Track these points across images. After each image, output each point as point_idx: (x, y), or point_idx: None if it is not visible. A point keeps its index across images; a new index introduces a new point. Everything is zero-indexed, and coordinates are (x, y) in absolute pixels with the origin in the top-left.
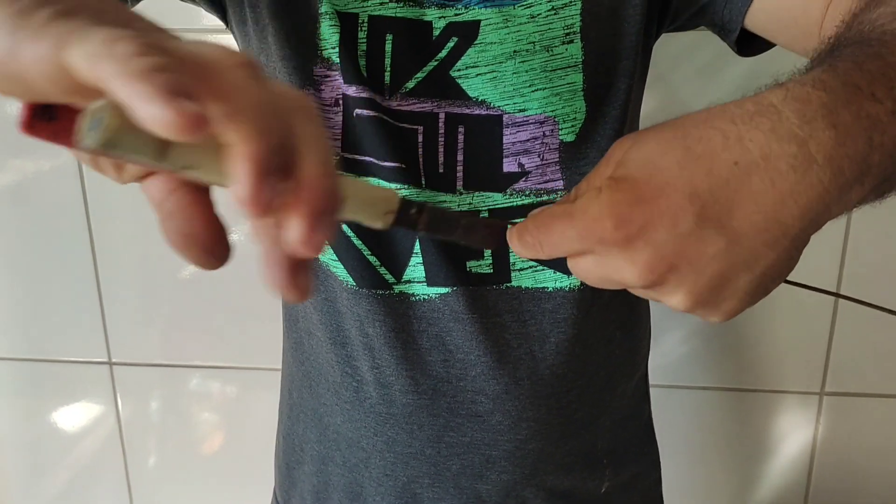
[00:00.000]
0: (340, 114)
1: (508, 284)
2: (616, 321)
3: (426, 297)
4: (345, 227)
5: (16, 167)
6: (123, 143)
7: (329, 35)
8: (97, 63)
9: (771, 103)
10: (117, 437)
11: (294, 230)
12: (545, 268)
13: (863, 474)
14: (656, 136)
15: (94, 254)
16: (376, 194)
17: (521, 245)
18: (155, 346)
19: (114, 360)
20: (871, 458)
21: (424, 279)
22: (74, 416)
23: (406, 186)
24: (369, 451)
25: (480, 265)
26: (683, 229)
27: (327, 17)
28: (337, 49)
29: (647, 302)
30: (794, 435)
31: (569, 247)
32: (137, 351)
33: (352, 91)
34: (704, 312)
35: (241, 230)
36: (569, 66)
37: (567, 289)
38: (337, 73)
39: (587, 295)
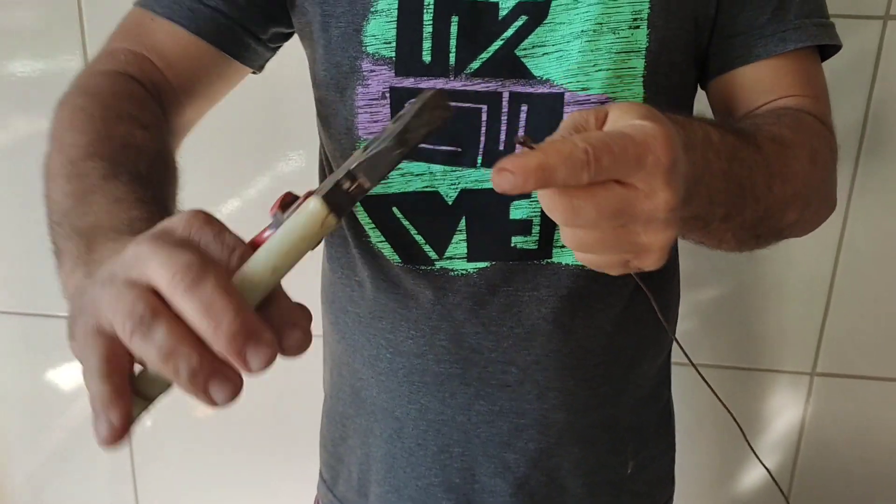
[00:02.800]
0: (388, 106)
1: (549, 260)
2: (647, 302)
3: (465, 271)
4: (394, 208)
5: (20, 124)
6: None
7: (378, 31)
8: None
9: (710, 140)
10: None
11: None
12: None
13: (850, 455)
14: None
15: None
16: (297, 226)
17: (571, 162)
18: None
19: None
20: (859, 439)
21: (466, 255)
22: (76, 371)
23: (459, 169)
24: (403, 420)
25: (527, 241)
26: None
27: (382, 14)
28: (392, 44)
29: (678, 287)
30: (783, 414)
31: (622, 168)
32: None
33: (409, 82)
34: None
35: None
36: (632, 51)
37: None
38: (384, 67)
39: (623, 276)
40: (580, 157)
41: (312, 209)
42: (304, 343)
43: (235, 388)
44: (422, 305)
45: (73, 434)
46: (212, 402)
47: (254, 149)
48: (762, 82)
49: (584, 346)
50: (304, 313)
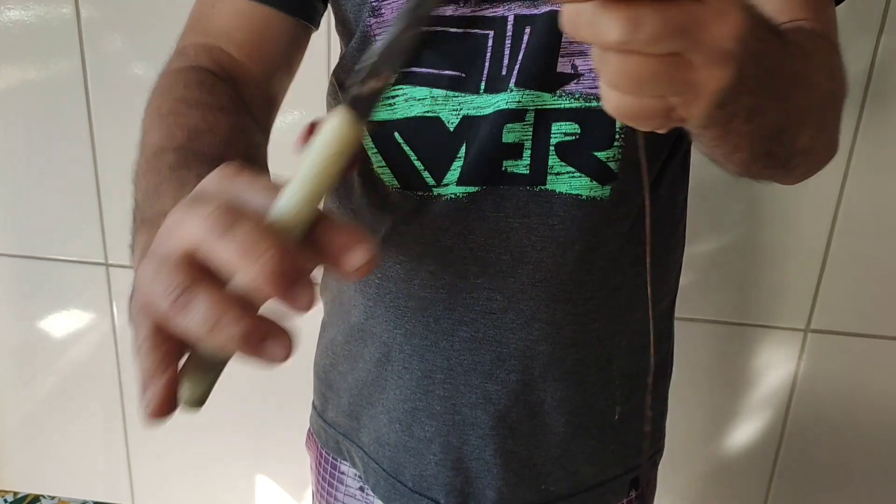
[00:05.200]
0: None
1: (542, 187)
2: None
3: (454, 195)
4: (396, 133)
5: (20, 70)
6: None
7: None
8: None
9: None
10: (111, 340)
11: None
12: (583, 174)
13: (840, 413)
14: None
15: (95, 154)
16: (325, 143)
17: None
18: None
19: (110, 261)
20: (850, 396)
21: (457, 179)
22: (68, 318)
23: (461, 94)
24: (390, 344)
25: (517, 165)
26: None
27: None
28: None
29: (683, 237)
30: (776, 370)
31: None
32: None
33: None
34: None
35: None
36: None
37: (600, 198)
38: None
39: (621, 209)
40: None
41: (338, 119)
42: (365, 264)
43: (290, 341)
44: (411, 231)
45: (65, 379)
46: (270, 360)
47: None
48: (769, 3)
49: (575, 279)
50: (355, 234)
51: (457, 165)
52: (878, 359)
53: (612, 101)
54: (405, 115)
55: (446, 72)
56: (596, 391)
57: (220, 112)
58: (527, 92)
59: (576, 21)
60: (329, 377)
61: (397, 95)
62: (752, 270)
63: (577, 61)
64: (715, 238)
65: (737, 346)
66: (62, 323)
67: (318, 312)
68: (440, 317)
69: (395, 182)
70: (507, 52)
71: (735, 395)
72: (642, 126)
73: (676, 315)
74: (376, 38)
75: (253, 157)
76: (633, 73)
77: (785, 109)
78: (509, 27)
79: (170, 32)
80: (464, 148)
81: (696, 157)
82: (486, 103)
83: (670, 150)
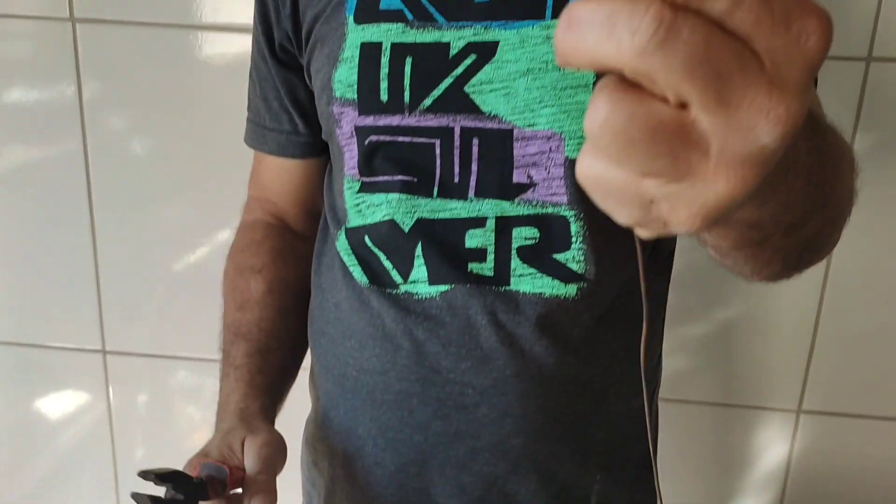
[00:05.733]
0: (355, 143)
1: (507, 287)
2: (621, 339)
3: (428, 295)
4: (365, 237)
5: (21, 152)
6: None
7: (345, 76)
8: None
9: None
10: (106, 425)
11: None
12: (545, 275)
13: (836, 493)
14: None
15: (95, 239)
16: None
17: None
18: (148, 336)
19: (108, 348)
20: (844, 477)
21: (427, 279)
22: (63, 403)
23: (416, 197)
24: (364, 437)
25: (482, 267)
26: None
27: (347, 61)
28: (354, 86)
29: (661, 331)
30: (770, 451)
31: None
32: (131, 340)
33: (369, 121)
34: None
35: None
36: (579, 86)
37: (564, 297)
38: (349, 108)
39: (583, 306)
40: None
41: None
42: None
43: None
44: (387, 325)
45: (59, 462)
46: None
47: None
48: None
49: (544, 374)
50: None
51: (419, 264)
52: (872, 439)
53: (584, 165)
54: (372, 221)
55: (398, 177)
56: (571, 483)
57: (259, 274)
58: (486, 201)
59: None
60: (311, 475)
61: (361, 203)
62: (742, 351)
63: (532, 171)
64: (704, 320)
65: (730, 427)
66: (56, 407)
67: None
68: (415, 410)
69: (366, 279)
70: (456, 160)
71: (729, 478)
72: (613, 213)
73: (668, 397)
74: (345, 150)
75: (283, 308)
76: (631, 125)
77: (819, 221)
78: (456, 138)
79: (169, 110)
80: (419, 247)
81: (683, 241)
82: (442, 207)
83: (651, 247)
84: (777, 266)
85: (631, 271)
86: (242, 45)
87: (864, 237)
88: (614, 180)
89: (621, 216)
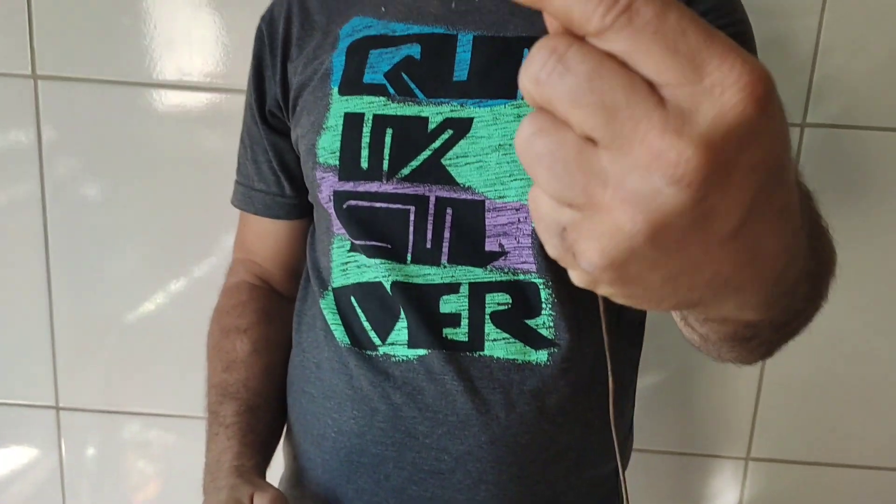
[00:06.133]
0: (332, 207)
1: (481, 353)
2: (597, 408)
3: (405, 357)
4: (351, 297)
5: None
6: None
7: (328, 143)
8: None
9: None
10: (57, 480)
11: None
12: (517, 340)
13: None
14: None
15: (50, 293)
16: None
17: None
18: (100, 390)
19: (61, 404)
20: None
21: (406, 342)
22: (14, 458)
23: (389, 262)
24: (340, 500)
25: (457, 333)
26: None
27: (330, 129)
28: (336, 153)
29: (633, 399)
30: (721, 499)
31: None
32: (84, 395)
33: (348, 186)
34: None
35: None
36: None
37: (536, 363)
38: (330, 173)
39: (556, 373)
40: None
41: None
42: None
43: None
44: (364, 387)
45: None
46: None
47: (201, 228)
48: None
49: (520, 442)
50: None
51: (401, 326)
52: (820, 485)
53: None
54: (357, 281)
55: (374, 242)
56: None
57: (245, 334)
58: (459, 268)
59: None
60: None
61: (349, 262)
62: (694, 400)
63: (503, 241)
64: (655, 370)
65: (682, 475)
66: (6, 462)
67: None
68: (390, 474)
69: (347, 340)
70: (429, 227)
71: None
72: (544, 243)
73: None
74: (332, 218)
75: (268, 367)
76: (544, 150)
77: (807, 308)
78: (431, 206)
79: (124, 154)
80: (401, 311)
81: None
82: (416, 273)
83: (618, 312)
84: (758, 356)
85: (601, 342)
86: (192, 100)
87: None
88: (538, 205)
89: (547, 246)
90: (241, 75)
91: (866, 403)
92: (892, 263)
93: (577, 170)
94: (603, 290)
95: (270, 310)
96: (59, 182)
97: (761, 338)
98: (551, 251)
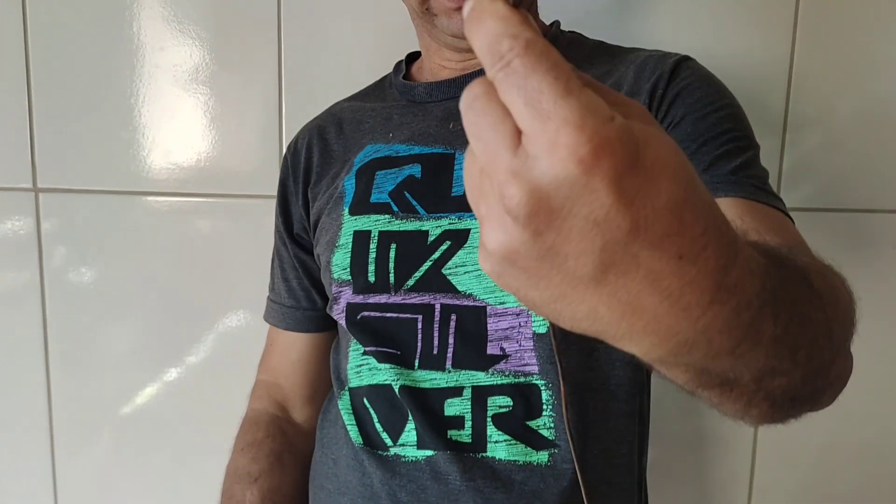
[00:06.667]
0: (345, 319)
1: (484, 454)
2: (599, 501)
3: (414, 458)
4: (364, 398)
5: None
6: None
7: (341, 260)
8: None
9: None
10: None
11: None
12: (518, 442)
13: None
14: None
15: (49, 385)
16: None
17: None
18: (103, 488)
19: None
20: None
21: (416, 443)
22: None
23: (398, 367)
24: None
25: (461, 434)
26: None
27: (342, 247)
28: (348, 269)
29: (644, 492)
30: None
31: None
32: (87, 493)
33: (360, 299)
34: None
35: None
36: None
37: (535, 463)
38: (345, 287)
39: (559, 472)
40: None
41: None
42: None
43: None
44: (375, 485)
45: None
46: None
47: (193, 315)
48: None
49: None
50: None
51: (410, 428)
52: None
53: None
54: (369, 382)
55: (384, 349)
56: None
57: (255, 484)
58: (463, 372)
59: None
60: None
61: (363, 365)
62: (689, 469)
63: (504, 344)
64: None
65: None
66: None
67: None
68: None
69: (360, 440)
70: (436, 334)
71: None
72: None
73: None
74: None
75: None
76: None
77: (804, 355)
78: (436, 314)
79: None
80: (409, 413)
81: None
82: (423, 378)
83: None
84: (764, 409)
85: (608, 443)
86: (177, 207)
87: None
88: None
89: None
90: (232, 179)
91: (870, 470)
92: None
93: (473, 185)
94: (502, 285)
95: (284, 454)
96: (56, 270)
97: (746, 390)
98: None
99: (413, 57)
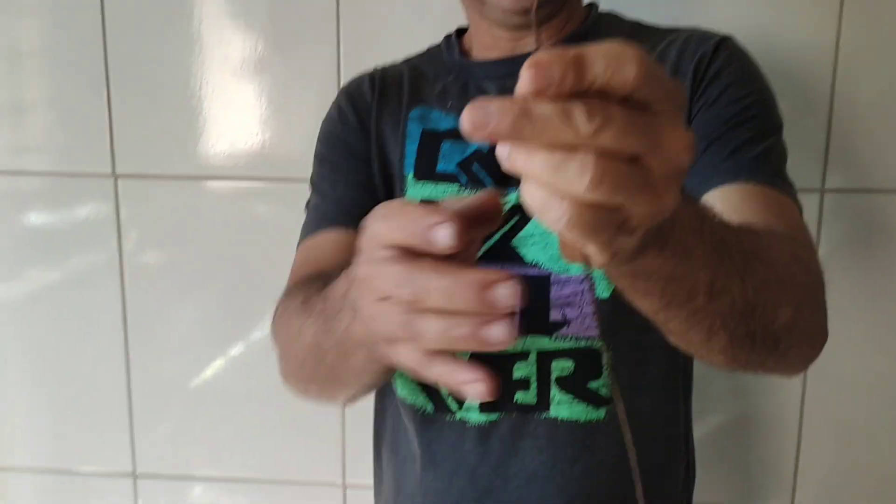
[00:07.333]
0: None
1: (547, 414)
2: (651, 461)
3: (479, 422)
4: None
5: (33, 274)
6: None
7: None
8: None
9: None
10: None
11: None
12: (579, 401)
13: None
14: None
15: (129, 361)
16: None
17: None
18: (173, 455)
19: (139, 471)
20: None
21: (479, 407)
22: None
23: None
24: None
25: (527, 395)
26: None
27: None
28: None
29: (691, 447)
30: None
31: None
32: (161, 462)
33: None
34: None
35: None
36: None
37: (596, 421)
38: None
39: (615, 428)
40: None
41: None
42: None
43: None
44: (444, 450)
45: None
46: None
47: (257, 293)
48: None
49: (582, 492)
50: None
51: None
52: None
53: (561, 210)
54: None
55: None
56: None
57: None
58: (529, 338)
59: (538, 121)
60: None
61: None
62: (735, 452)
63: (567, 311)
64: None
65: None
66: None
67: None
68: None
69: (429, 406)
70: None
71: None
72: (590, 239)
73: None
74: None
75: None
76: (598, 172)
77: (748, 286)
78: None
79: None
80: None
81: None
82: None
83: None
84: (723, 341)
85: (657, 399)
86: (241, 191)
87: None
88: (596, 214)
89: (598, 240)
90: (293, 164)
91: None
92: None
93: (638, 172)
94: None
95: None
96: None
97: (702, 307)
98: (597, 241)
99: (460, 32)
